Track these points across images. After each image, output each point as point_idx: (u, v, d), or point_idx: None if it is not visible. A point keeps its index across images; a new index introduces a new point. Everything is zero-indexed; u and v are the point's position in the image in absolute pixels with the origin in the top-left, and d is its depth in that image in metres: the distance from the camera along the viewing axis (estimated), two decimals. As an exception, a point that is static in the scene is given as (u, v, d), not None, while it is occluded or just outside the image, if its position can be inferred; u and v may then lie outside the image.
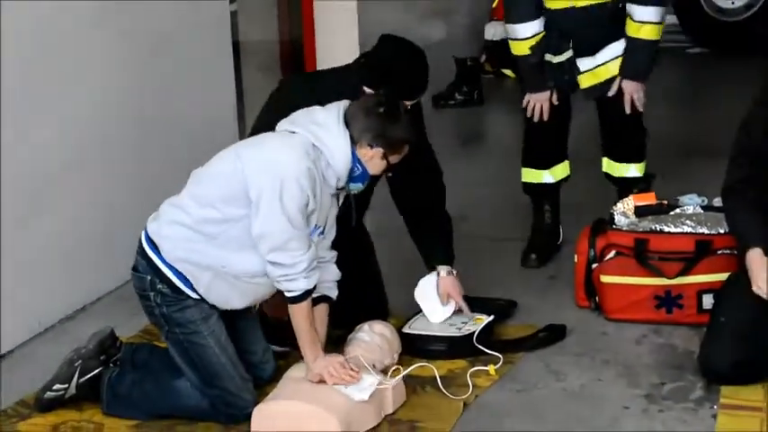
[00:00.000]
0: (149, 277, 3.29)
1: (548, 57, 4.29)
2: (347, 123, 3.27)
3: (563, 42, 4.25)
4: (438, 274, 3.85)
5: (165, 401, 3.36)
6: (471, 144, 6.75)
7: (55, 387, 3.37)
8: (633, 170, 4.47)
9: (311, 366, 3.28)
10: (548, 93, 4.36)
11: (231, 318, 3.37)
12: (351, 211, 3.46)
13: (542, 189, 4.56)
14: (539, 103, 4.38)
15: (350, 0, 6.41)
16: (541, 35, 4.25)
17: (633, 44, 4.25)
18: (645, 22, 4.21)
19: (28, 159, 3.89)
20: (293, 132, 3.26)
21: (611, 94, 4.32)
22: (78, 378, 3.37)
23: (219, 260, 3.24)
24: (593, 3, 4.19)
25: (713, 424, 3.21)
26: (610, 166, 4.52)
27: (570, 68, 4.29)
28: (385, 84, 3.54)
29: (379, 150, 3.29)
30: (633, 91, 4.31)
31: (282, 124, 3.33)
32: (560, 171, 4.55)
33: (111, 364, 3.44)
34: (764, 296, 3.28)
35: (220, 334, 3.31)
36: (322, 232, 3.32)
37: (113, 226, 4.24)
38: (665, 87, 6.69)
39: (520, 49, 4.31)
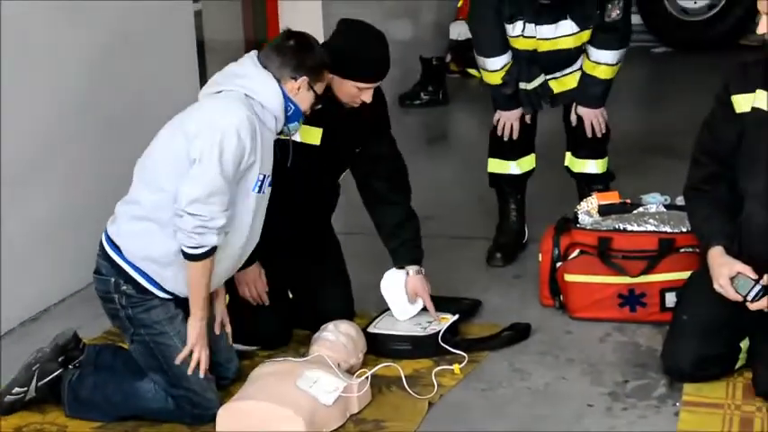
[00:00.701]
0: (113, 279, 3.27)
1: (522, 85, 4.33)
2: (264, 67, 3.30)
3: (533, 69, 4.30)
4: (407, 273, 3.86)
5: (128, 404, 3.34)
6: (437, 143, 6.76)
7: (14, 390, 3.35)
8: (593, 166, 4.52)
9: (194, 323, 3.25)
10: (518, 111, 4.42)
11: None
12: (288, 154, 3.43)
13: (508, 180, 4.58)
14: (509, 121, 4.42)
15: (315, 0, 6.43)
16: (510, 64, 4.30)
17: (588, 79, 4.35)
18: (600, 64, 4.27)
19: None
20: (220, 92, 3.27)
21: (572, 119, 4.43)
22: (37, 382, 3.35)
23: (179, 248, 3.21)
24: (554, 49, 4.24)
25: (676, 421, 3.23)
26: (571, 162, 4.58)
27: (544, 92, 4.36)
28: (347, 68, 3.54)
29: (303, 80, 3.31)
30: (591, 117, 4.42)
31: (206, 89, 3.33)
32: (527, 163, 4.58)
33: (72, 366, 3.42)
34: (725, 294, 3.31)
35: (186, 333, 3.29)
36: (261, 186, 3.28)
37: (76, 226, 4.21)
38: (629, 86, 6.74)
39: (492, 79, 4.36)
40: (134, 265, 3.26)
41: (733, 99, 3.41)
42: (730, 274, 3.30)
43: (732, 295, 3.30)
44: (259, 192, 3.28)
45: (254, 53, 3.36)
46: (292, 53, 3.31)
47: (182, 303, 3.31)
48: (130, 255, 3.26)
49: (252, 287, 3.73)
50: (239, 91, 3.24)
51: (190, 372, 3.26)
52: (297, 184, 3.70)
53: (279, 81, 3.29)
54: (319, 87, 3.37)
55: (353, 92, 3.57)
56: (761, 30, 3.29)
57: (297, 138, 3.62)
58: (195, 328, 3.26)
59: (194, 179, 3.13)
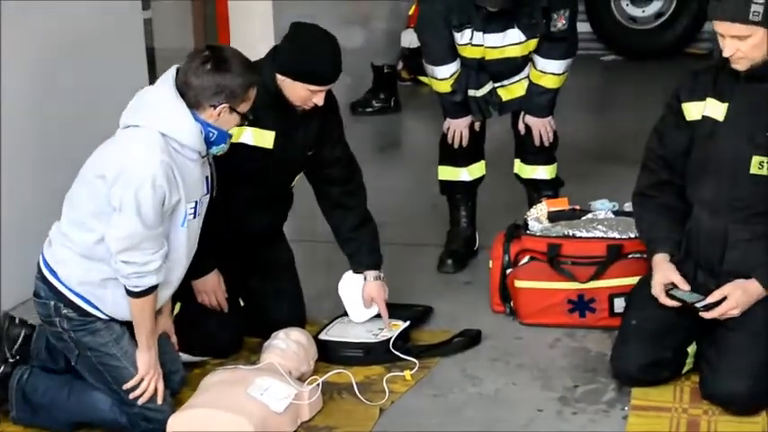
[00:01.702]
0: (53, 302, 3.22)
1: (470, 92, 4.36)
2: (182, 93, 3.16)
3: (482, 76, 4.33)
4: (365, 278, 3.87)
5: (82, 412, 3.31)
6: (388, 151, 6.76)
7: None
8: (542, 172, 4.56)
9: (143, 354, 3.23)
10: (468, 119, 4.44)
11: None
12: (212, 178, 3.38)
13: (459, 187, 4.60)
14: (458, 128, 4.45)
15: (266, 4, 6.41)
16: (459, 72, 4.33)
17: (534, 88, 4.39)
18: (546, 73, 4.31)
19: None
20: (137, 126, 3.17)
21: (520, 128, 4.46)
22: None
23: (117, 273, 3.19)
24: (502, 57, 4.27)
25: (624, 425, 3.27)
26: (520, 168, 4.62)
27: (493, 100, 4.38)
28: (298, 70, 3.53)
29: (223, 107, 3.18)
30: (539, 126, 4.46)
31: (125, 117, 3.22)
32: (477, 170, 4.60)
33: (14, 360, 3.36)
34: (661, 301, 3.36)
35: (134, 353, 3.26)
36: (194, 213, 3.24)
37: (16, 238, 4.15)
38: (578, 93, 6.79)
39: (441, 87, 4.38)
40: (72, 289, 3.22)
41: (683, 107, 3.45)
42: (664, 282, 3.37)
43: (663, 301, 3.36)
44: (193, 218, 3.25)
45: (171, 74, 3.20)
46: (210, 78, 3.13)
47: (126, 323, 3.28)
48: (67, 279, 3.22)
49: (211, 295, 3.73)
50: (155, 129, 3.13)
51: (141, 402, 3.22)
52: (249, 188, 3.70)
53: (197, 108, 3.16)
54: (243, 107, 3.24)
55: (305, 95, 3.57)
56: (727, 52, 3.30)
57: (250, 141, 3.61)
58: (144, 358, 3.23)
59: (119, 230, 3.10)
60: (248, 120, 3.31)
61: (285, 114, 3.64)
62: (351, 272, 3.90)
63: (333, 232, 3.92)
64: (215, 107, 3.18)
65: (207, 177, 3.32)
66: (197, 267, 3.65)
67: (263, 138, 3.65)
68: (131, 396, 3.22)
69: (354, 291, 3.88)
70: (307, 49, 3.57)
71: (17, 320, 3.43)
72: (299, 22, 3.67)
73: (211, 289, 3.72)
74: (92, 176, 3.20)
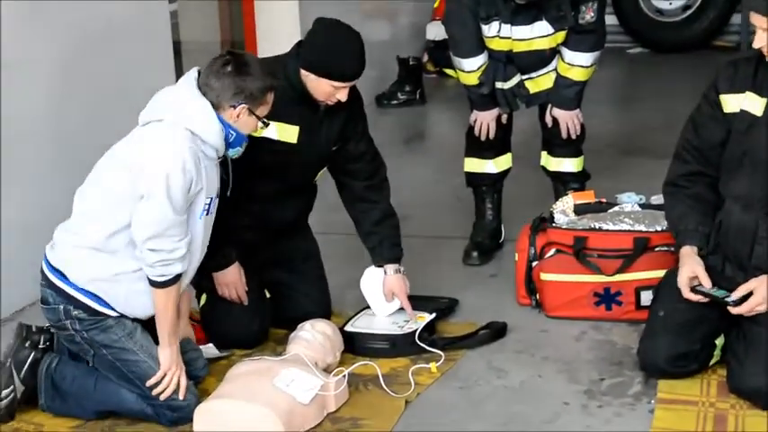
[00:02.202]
0: (62, 306, 3.24)
1: (498, 84, 4.35)
2: (203, 94, 3.24)
3: (510, 69, 4.32)
4: (385, 272, 3.87)
5: (109, 401, 3.32)
6: (414, 143, 6.77)
7: (3, 394, 3.31)
8: (569, 165, 4.55)
9: (164, 350, 3.25)
10: (495, 111, 4.43)
11: (151, 326, 3.33)
12: (228, 179, 3.43)
13: (485, 179, 4.59)
14: (485, 121, 4.44)
15: (291, 0, 6.42)
16: (486, 65, 4.32)
17: (562, 81, 4.37)
18: (574, 65, 4.30)
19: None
20: (160, 120, 3.22)
21: (547, 121, 4.45)
22: (18, 374, 3.33)
23: (130, 267, 3.22)
24: (529, 50, 4.26)
25: (651, 419, 3.25)
26: (547, 161, 4.60)
27: (520, 92, 4.37)
28: (321, 66, 3.53)
29: (242, 107, 3.25)
30: (567, 119, 4.44)
31: (145, 115, 3.28)
32: (503, 162, 4.59)
33: (43, 347, 3.37)
34: (685, 296, 3.34)
35: (149, 345, 3.28)
36: (208, 209, 3.28)
37: (45, 229, 4.16)
38: (604, 86, 6.78)
39: (468, 79, 4.38)
40: (81, 288, 3.23)
41: (722, 98, 3.41)
42: (689, 275, 3.35)
43: (687, 295, 3.35)
44: (207, 215, 3.29)
45: (193, 76, 3.29)
46: (230, 80, 3.23)
47: (136, 319, 3.31)
48: (76, 278, 3.23)
49: (231, 288, 3.74)
50: (180, 123, 3.19)
51: (163, 397, 3.24)
52: (273, 182, 3.71)
53: (218, 108, 3.24)
54: (262, 111, 3.31)
55: (329, 90, 3.58)
56: (757, 44, 3.28)
57: (274, 135, 3.62)
58: (166, 354, 3.26)
59: (146, 217, 3.14)
60: (266, 125, 3.37)
61: (309, 109, 3.65)
62: (372, 267, 3.91)
63: (355, 225, 3.93)
64: (234, 107, 3.25)
65: (220, 179, 3.36)
66: (218, 260, 3.67)
67: (287, 132, 3.66)
68: (154, 392, 3.24)
69: (376, 285, 3.89)
70: (330, 46, 3.57)
71: (34, 328, 3.43)
72: (322, 17, 3.67)
73: (232, 281, 3.73)
74: (112, 169, 3.23)
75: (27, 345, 3.36)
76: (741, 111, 3.37)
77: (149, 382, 3.24)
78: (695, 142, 3.50)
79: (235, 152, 3.35)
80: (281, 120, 3.59)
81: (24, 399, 3.35)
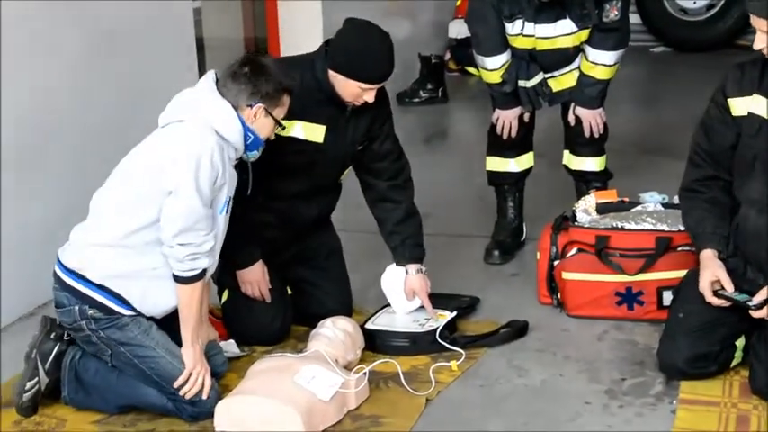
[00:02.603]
0: (77, 307, 3.26)
1: (521, 83, 4.34)
2: (222, 95, 3.29)
3: (532, 67, 4.31)
4: (407, 272, 3.87)
5: (131, 394, 3.34)
6: (435, 142, 6.76)
7: (27, 386, 3.33)
8: (590, 164, 4.54)
9: (188, 349, 3.27)
10: (517, 110, 4.42)
11: (168, 325, 3.34)
12: (248, 180, 3.44)
13: (507, 178, 4.59)
14: (508, 119, 4.43)
15: (314, -1, 6.44)
16: (509, 63, 4.31)
17: (585, 79, 4.36)
18: (597, 64, 4.28)
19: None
20: (181, 121, 3.26)
21: (570, 119, 4.44)
22: (42, 366, 3.35)
23: (148, 265, 3.24)
24: (553, 48, 4.25)
25: (672, 419, 3.24)
26: (569, 160, 4.59)
27: (543, 91, 4.36)
28: (350, 68, 3.54)
29: (259, 107, 3.30)
30: (589, 117, 4.43)
31: (166, 117, 3.32)
32: (525, 161, 4.59)
33: (67, 338, 3.39)
34: (707, 300, 3.33)
35: (166, 342, 3.30)
36: (227, 207, 3.31)
37: (69, 224, 4.18)
38: (628, 85, 6.76)
39: (491, 78, 4.37)
40: (97, 285, 3.25)
41: (729, 102, 3.40)
42: (711, 279, 3.34)
43: (710, 300, 3.33)
44: (226, 213, 3.32)
45: (211, 77, 3.34)
46: (247, 80, 3.29)
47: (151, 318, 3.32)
48: (92, 275, 3.25)
49: (255, 286, 3.75)
50: (202, 122, 3.24)
51: (189, 397, 3.26)
52: (298, 181, 3.72)
53: (236, 109, 3.28)
54: (278, 113, 3.36)
55: (357, 92, 3.58)
56: (757, 45, 3.28)
57: (300, 135, 3.63)
58: (190, 353, 3.27)
59: (175, 211, 3.17)
60: (282, 127, 3.40)
61: (336, 109, 3.65)
62: (393, 265, 3.91)
63: (377, 224, 3.93)
64: (251, 107, 3.28)
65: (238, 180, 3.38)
66: (243, 258, 3.68)
67: (313, 132, 3.66)
68: (181, 393, 3.25)
69: (397, 284, 3.89)
70: (360, 48, 3.57)
71: (58, 321, 3.43)
72: (353, 18, 3.67)
73: (255, 279, 3.74)
74: (133, 170, 3.27)
75: (52, 337, 3.37)
76: (749, 114, 3.36)
77: (176, 384, 3.25)
78: (707, 147, 3.49)
79: (252, 155, 3.38)
80: (307, 119, 3.60)
81: (48, 391, 3.37)
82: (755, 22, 3.25)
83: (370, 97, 3.59)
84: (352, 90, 3.58)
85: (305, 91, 3.55)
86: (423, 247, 3.90)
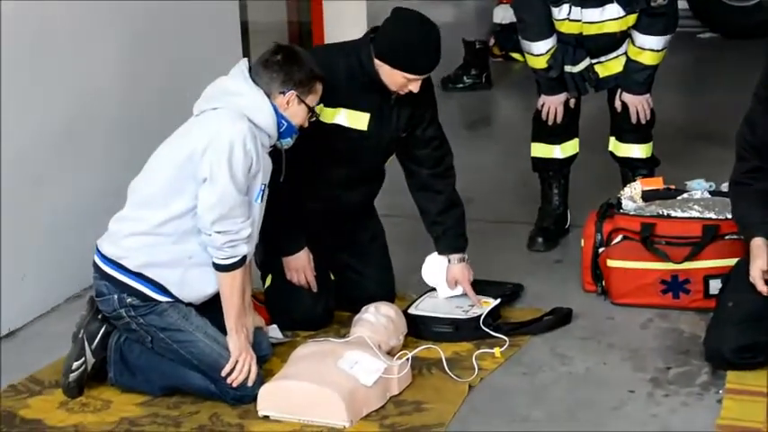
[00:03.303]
0: (116, 296, 3.29)
1: (567, 68, 4.31)
2: (254, 83, 3.30)
3: (579, 52, 4.28)
4: (449, 261, 3.86)
5: (175, 375, 3.35)
6: (479, 127, 6.74)
7: (74, 366, 3.36)
8: (637, 151, 4.50)
9: (233, 338, 3.28)
10: (563, 96, 4.39)
11: (207, 310, 3.35)
12: (281, 167, 3.44)
13: (551, 164, 4.56)
14: (553, 105, 4.40)
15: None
16: (555, 48, 4.28)
17: (632, 65, 4.32)
18: (645, 49, 4.24)
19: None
20: (215, 108, 3.28)
21: (617, 105, 4.40)
22: (89, 345, 3.37)
23: (185, 253, 3.26)
24: (600, 33, 4.21)
25: (718, 409, 3.21)
26: (615, 146, 4.56)
27: (589, 76, 4.33)
28: (397, 58, 3.53)
29: (291, 93, 3.31)
30: (636, 103, 4.39)
31: (200, 105, 3.34)
32: (570, 147, 4.56)
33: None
34: (758, 288, 3.29)
35: (205, 326, 3.31)
36: (262, 195, 3.32)
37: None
38: (675, 72, 6.68)
39: (537, 63, 4.34)
40: (135, 274, 3.27)
41: None
42: (763, 267, 3.30)
43: (761, 288, 3.30)
44: (261, 201, 3.33)
45: (244, 66, 3.36)
46: (279, 67, 3.31)
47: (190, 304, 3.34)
48: (131, 264, 3.27)
49: (300, 273, 3.75)
50: (236, 109, 3.25)
51: (236, 384, 3.27)
52: (342, 168, 3.71)
53: (269, 96, 3.30)
54: (311, 100, 3.37)
55: (402, 81, 3.57)
56: None
57: (344, 122, 3.63)
58: (234, 341, 3.29)
59: (210, 199, 3.18)
60: (316, 115, 3.41)
61: (381, 96, 3.64)
62: (435, 254, 3.90)
63: (420, 213, 3.92)
64: (284, 94, 3.30)
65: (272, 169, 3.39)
66: (289, 245, 3.69)
67: (357, 119, 3.66)
68: (228, 381, 3.27)
69: (438, 273, 3.88)
70: (407, 38, 3.55)
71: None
72: (401, 7, 3.65)
73: (301, 266, 3.75)
74: (169, 158, 3.28)
75: (99, 317, 3.40)
76: None
77: (223, 372, 3.26)
78: (752, 141, 3.47)
79: (285, 143, 3.39)
80: (351, 107, 3.59)
81: (94, 372, 3.39)
82: None
83: (415, 87, 3.57)
84: (397, 79, 3.56)
85: (350, 78, 3.55)
86: (465, 237, 3.89)
